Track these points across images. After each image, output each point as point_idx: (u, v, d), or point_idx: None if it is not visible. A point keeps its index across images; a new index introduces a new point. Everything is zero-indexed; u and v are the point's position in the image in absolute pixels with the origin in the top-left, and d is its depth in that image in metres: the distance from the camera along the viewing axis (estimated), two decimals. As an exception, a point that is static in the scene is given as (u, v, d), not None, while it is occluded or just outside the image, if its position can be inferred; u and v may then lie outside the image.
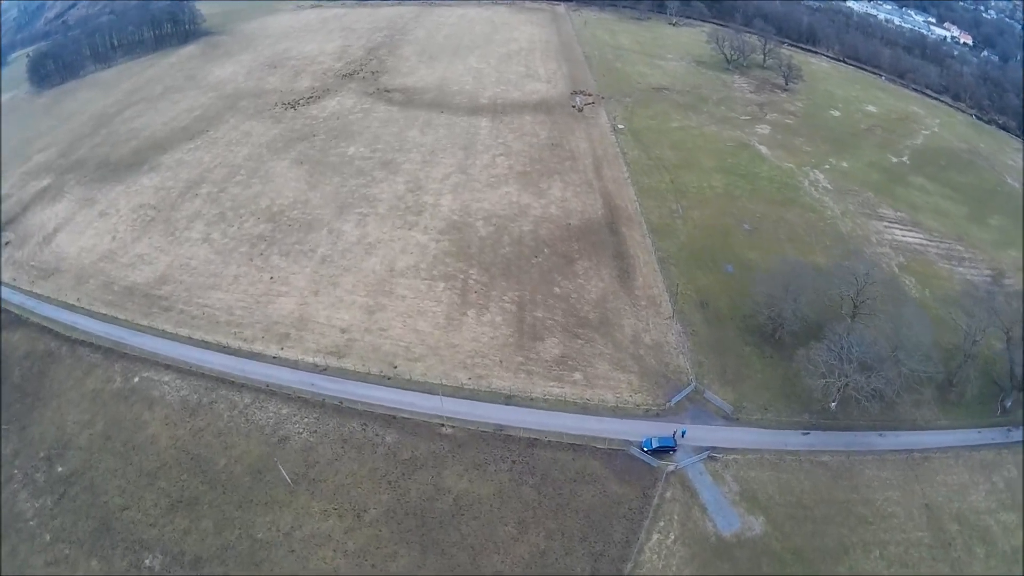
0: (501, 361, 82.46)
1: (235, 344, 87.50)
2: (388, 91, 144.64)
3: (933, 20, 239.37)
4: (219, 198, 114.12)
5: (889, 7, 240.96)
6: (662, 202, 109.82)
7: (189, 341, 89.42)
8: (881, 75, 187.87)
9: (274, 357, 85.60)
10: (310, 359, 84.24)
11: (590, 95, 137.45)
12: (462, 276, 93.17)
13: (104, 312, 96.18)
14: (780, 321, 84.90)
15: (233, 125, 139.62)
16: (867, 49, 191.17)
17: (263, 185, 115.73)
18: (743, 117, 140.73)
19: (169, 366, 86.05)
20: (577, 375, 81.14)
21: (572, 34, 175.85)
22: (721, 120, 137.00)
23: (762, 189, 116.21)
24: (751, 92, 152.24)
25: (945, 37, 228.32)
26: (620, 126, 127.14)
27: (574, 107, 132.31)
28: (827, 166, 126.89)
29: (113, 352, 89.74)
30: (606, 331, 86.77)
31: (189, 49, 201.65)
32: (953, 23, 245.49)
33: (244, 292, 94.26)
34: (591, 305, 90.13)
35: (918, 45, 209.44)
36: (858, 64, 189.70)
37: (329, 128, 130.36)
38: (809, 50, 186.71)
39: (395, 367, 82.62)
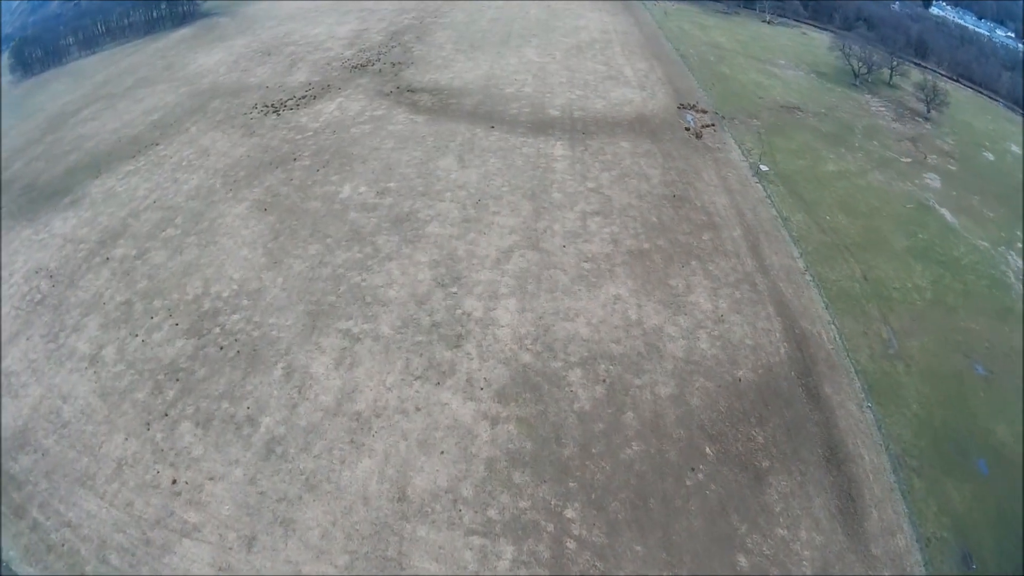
0: None
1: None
2: (412, 91, 79.94)
3: (1012, 35, 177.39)
4: (133, 271, 53.23)
5: (971, 18, 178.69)
6: (865, 321, 48.92)
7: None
8: (999, 101, 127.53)
9: None
10: None
11: (705, 112, 73.81)
12: (551, 527, 32.62)
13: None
14: None
15: (191, 137, 75.74)
16: (982, 69, 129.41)
17: (200, 249, 54.08)
18: (903, 159, 79.23)
19: None
20: None
21: (653, 25, 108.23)
22: (881, 163, 74.84)
23: (974, 290, 55.76)
24: (894, 120, 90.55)
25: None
26: (763, 167, 64.71)
27: (687, 130, 69.29)
28: (1020, 244, 70.72)
29: None
30: None
31: (182, 32, 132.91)
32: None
33: (128, 508, 35.21)
34: (820, 604, 31.86)
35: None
36: (973, 86, 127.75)
37: (319, 147, 66.57)
38: (919, 64, 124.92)
39: None
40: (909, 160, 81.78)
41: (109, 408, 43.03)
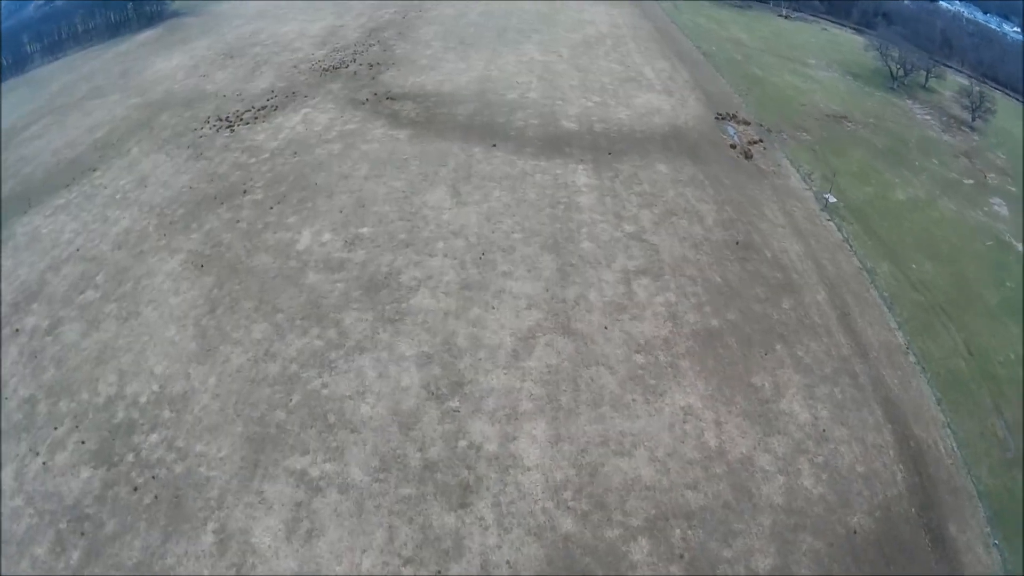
0: None
1: None
2: (392, 98, 62.08)
3: (1018, 29, 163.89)
4: (41, 352, 36.48)
5: (979, 13, 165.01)
6: (979, 415, 34.54)
7: None
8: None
9: None
10: None
11: (748, 124, 57.66)
12: None
13: None
14: None
15: (132, 160, 57.58)
16: (1006, 69, 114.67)
17: (119, 325, 37.08)
18: (966, 181, 62.20)
19: None
20: None
21: (664, 18, 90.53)
22: (946, 186, 58.89)
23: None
24: (943, 131, 72.95)
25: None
26: (830, 198, 48.93)
27: (733, 147, 53.00)
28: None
29: None
30: None
31: (146, 35, 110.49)
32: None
33: None
34: None
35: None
36: (999, 87, 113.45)
37: (275, 175, 49.09)
38: (944, 64, 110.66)
39: None
40: (972, 182, 66.85)
41: (7, 565, 28.00)
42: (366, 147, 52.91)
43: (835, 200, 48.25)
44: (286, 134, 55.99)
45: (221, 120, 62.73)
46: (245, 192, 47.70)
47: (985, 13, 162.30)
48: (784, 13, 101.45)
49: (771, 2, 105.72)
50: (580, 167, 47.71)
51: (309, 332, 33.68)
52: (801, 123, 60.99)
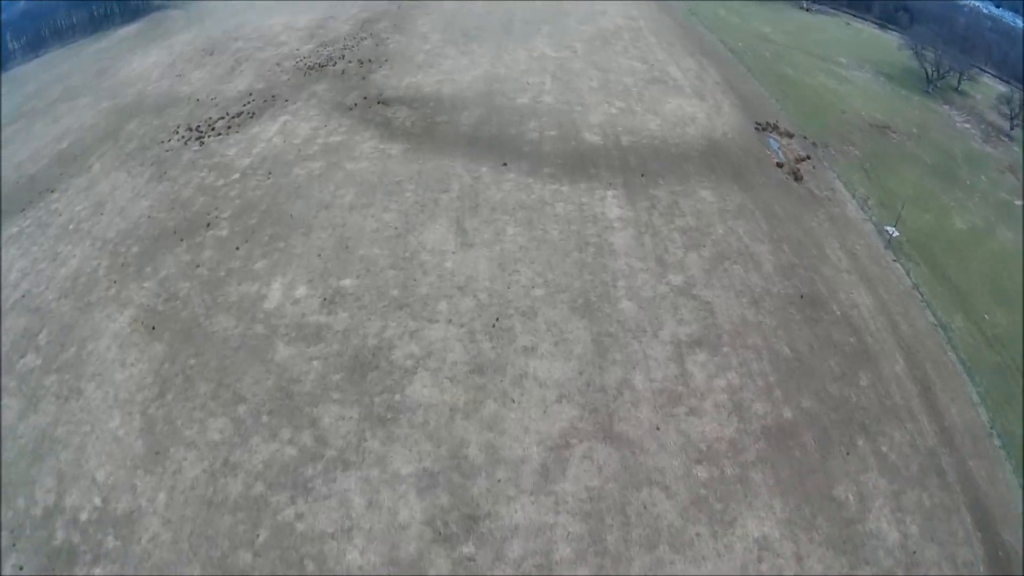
0: None
1: None
2: (385, 102, 52.06)
3: None
4: None
5: (996, 10, 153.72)
6: None
7: None
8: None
9: None
10: None
11: (791, 136, 47.94)
12: None
13: None
14: None
15: (92, 179, 47.40)
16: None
17: (59, 406, 28.18)
18: (1016, 202, 53.11)
19: None
20: None
21: (683, 9, 78.07)
22: (1000, 210, 49.97)
23: None
24: (984, 141, 63.41)
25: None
26: (893, 231, 39.86)
27: (780, 166, 43.55)
28: None
29: None
30: None
31: (129, 29, 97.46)
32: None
33: None
34: None
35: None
36: (1018, 85, 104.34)
37: (244, 202, 39.60)
38: (973, 64, 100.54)
39: None
40: (1020, 203, 59.65)
41: None
42: (352, 166, 43.40)
43: (897, 233, 39.89)
44: (261, 148, 46.12)
45: (191, 130, 52.46)
46: (208, 225, 38.29)
47: (998, 7, 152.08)
48: (805, 5, 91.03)
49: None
50: (610, 193, 38.48)
51: (279, 434, 25.11)
52: (846, 134, 51.72)
